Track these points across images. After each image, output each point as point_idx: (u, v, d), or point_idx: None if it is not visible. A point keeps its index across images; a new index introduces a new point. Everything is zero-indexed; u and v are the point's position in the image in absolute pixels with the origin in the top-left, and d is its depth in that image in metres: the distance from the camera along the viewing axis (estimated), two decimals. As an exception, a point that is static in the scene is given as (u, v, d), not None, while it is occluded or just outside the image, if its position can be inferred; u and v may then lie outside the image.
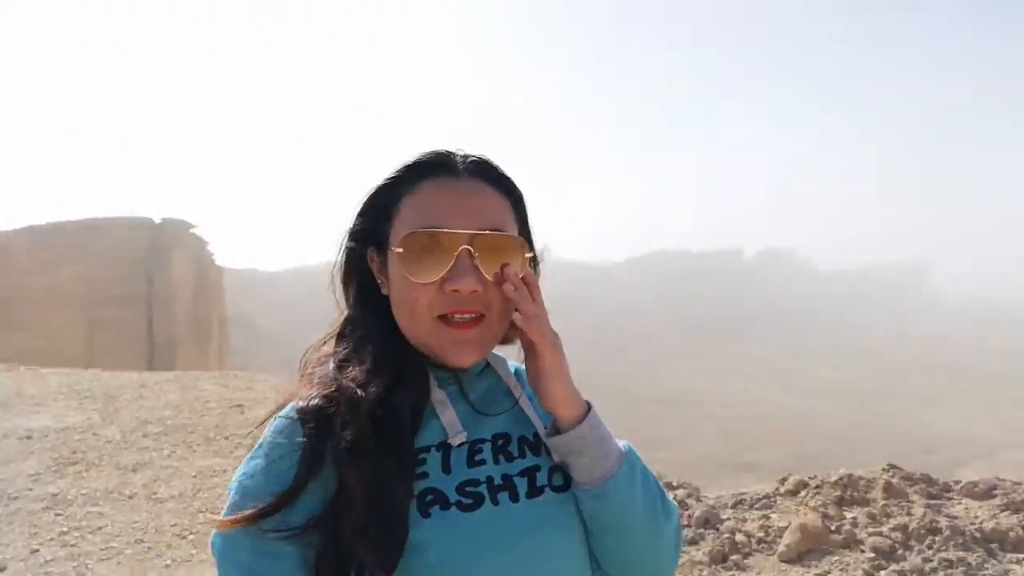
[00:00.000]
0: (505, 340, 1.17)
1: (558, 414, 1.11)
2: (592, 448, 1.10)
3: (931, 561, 4.31)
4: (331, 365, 1.08)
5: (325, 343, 1.16)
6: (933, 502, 4.97)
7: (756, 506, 5.16)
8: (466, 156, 1.13)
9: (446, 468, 1.06)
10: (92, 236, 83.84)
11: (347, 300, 1.18)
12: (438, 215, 1.07)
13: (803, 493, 5.25)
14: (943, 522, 4.64)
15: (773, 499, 5.27)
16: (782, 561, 4.43)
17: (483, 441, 1.12)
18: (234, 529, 0.96)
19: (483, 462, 1.10)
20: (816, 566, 4.47)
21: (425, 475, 1.04)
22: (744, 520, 4.95)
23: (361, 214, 1.14)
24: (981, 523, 4.66)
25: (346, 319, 1.16)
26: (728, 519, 4.98)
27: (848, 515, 4.91)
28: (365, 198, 1.14)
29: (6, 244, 78.37)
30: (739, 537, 4.65)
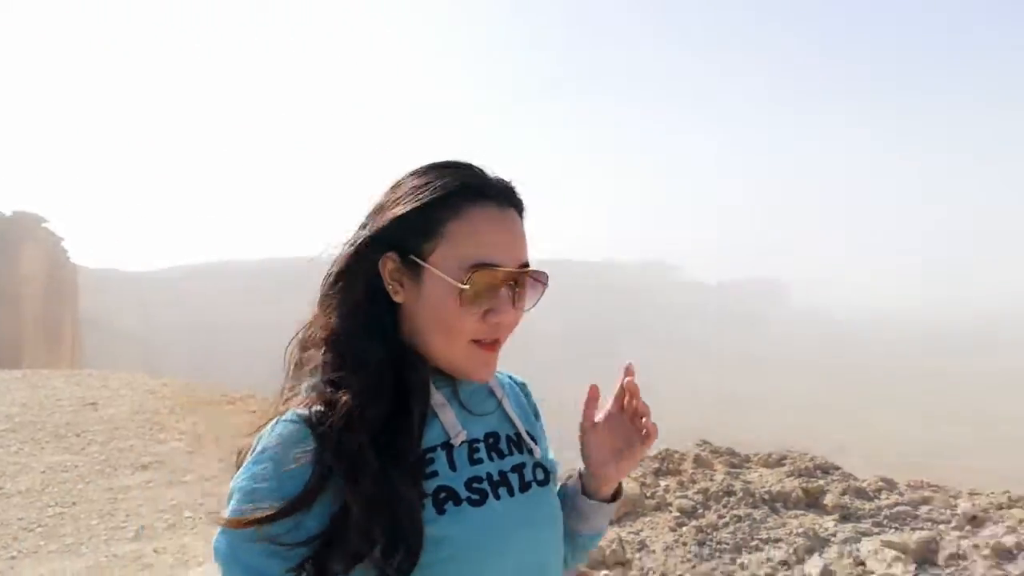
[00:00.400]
0: None
1: (602, 489, 1.30)
2: (609, 514, 1.34)
3: (724, 517, 5.02)
4: (327, 372, 1.08)
5: (312, 343, 1.14)
6: (733, 470, 5.71)
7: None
8: (502, 182, 1.16)
9: (452, 466, 1.11)
10: (-67, 227, 76.90)
11: (342, 298, 1.13)
12: (494, 251, 1.09)
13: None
14: (738, 486, 5.37)
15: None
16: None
17: (478, 440, 1.18)
18: (241, 530, 0.97)
19: (481, 460, 1.16)
20: (631, 526, 5.09)
21: (435, 474, 1.09)
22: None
23: (395, 221, 1.11)
24: (770, 486, 5.43)
25: (340, 318, 1.12)
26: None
27: (662, 483, 5.57)
28: (404, 208, 1.11)
29: None
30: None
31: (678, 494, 5.35)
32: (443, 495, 1.07)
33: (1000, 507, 5.10)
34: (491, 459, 1.17)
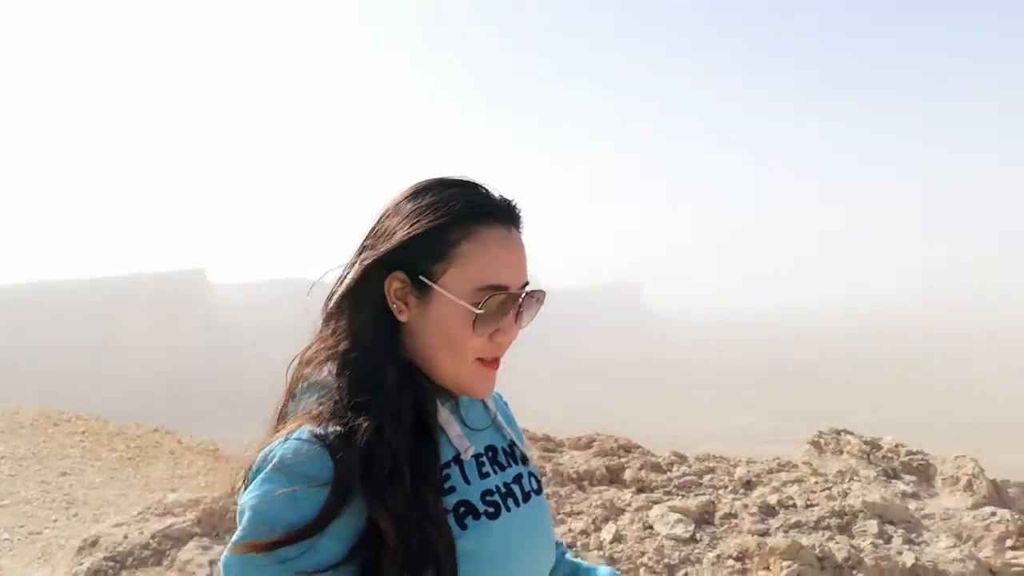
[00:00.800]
0: None
1: None
2: None
3: (532, 496, 5.42)
4: (341, 394, 1.07)
5: (314, 362, 1.13)
6: (547, 454, 6.14)
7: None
8: (506, 200, 1.17)
9: (467, 480, 1.13)
10: None
11: (351, 319, 1.12)
12: (505, 273, 1.11)
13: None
14: (549, 467, 5.79)
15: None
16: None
17: (481, 454, 1.20)
18: (254, 554, 0.95)
19: (489, 474, 1.18)
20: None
21: (453, 489, 1.11)
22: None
23: (405, 241, 1.10)
24: (578, 466, 5.88)
25: (352, 339, 1.11)
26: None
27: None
28: (414, 229, 1.10)
29: None
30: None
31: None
32: (463, 509, 1.09)
33: (770, 471, 5.78)
34: (495, 472, 1.20)
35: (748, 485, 5.59)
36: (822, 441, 6.22)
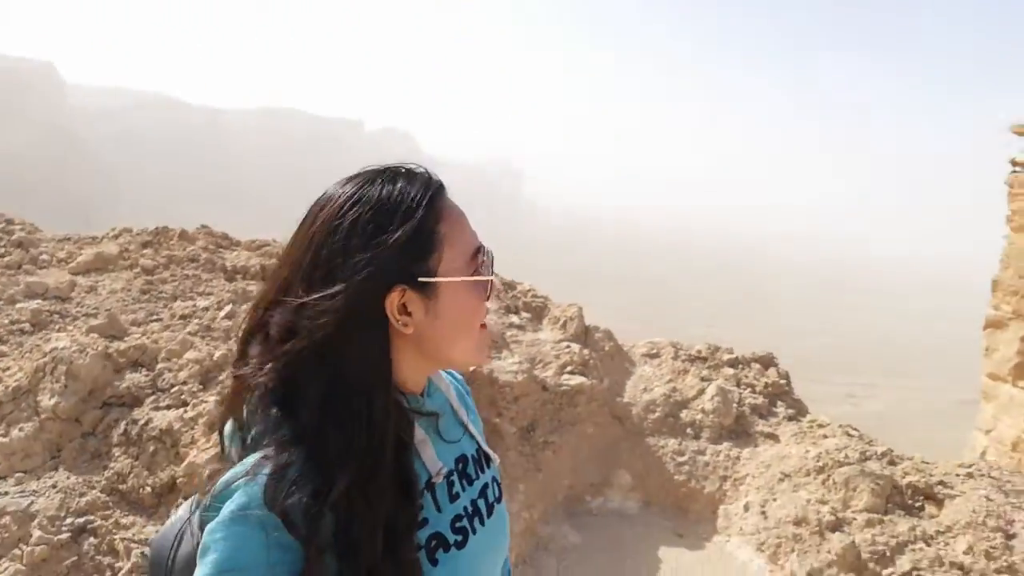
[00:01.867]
0: None
1: None
2: None
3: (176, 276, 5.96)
4: (321, 439, 0.95)
5: (272, 382, 0.98)
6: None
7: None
8: (426, 168, 1.10)
9: (438, 507, 1.07)
10: None
11: (351, 352, 0.97)
12: (473, 233, 1.08)
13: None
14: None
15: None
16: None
17: (452, 471, 1.13)
18: None
19: (459, 494, 1.12)
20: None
21: (426, 521, 1.04)
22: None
23: (395, 252, 0.98)
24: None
25: (334, 373, 0.96)
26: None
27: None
28: (399, 235, 0.99)
29: None
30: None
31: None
32: (434, 543, 1.04)
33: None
34: (463, 488, 1.14)
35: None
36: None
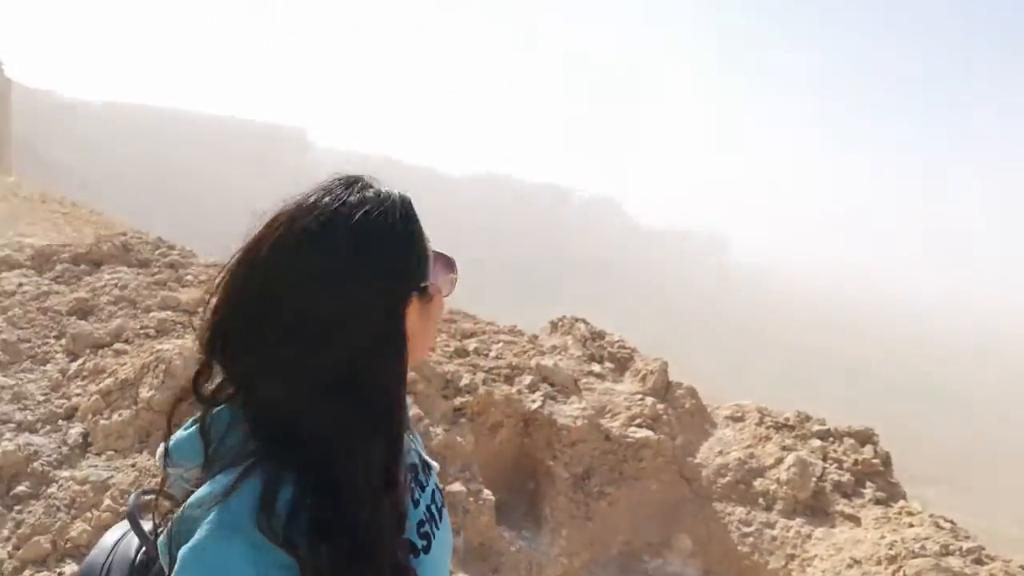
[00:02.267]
0: None
1: None
2: None
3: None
4: (328, 455, 0.92)
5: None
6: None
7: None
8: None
9: None
10: None
11: (371, 363, 0.94)
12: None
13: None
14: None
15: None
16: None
17: (411, 479, 1.13)
18: None
19: (418, 500, 1.13)
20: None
21: None
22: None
23: (407, 266, 1.00)
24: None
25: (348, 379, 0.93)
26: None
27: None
28: (415, 250, 1.02)
29: None
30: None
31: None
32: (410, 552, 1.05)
33: (496, 333, 6.82)
34: (420, 493, 1.15)
35: (467, 335, 6.65)
36: (559, 323, 7.20)
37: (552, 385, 6.10)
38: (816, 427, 6.24)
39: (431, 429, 5.10)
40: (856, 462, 5.86)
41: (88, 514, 4.33)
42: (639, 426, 5.97)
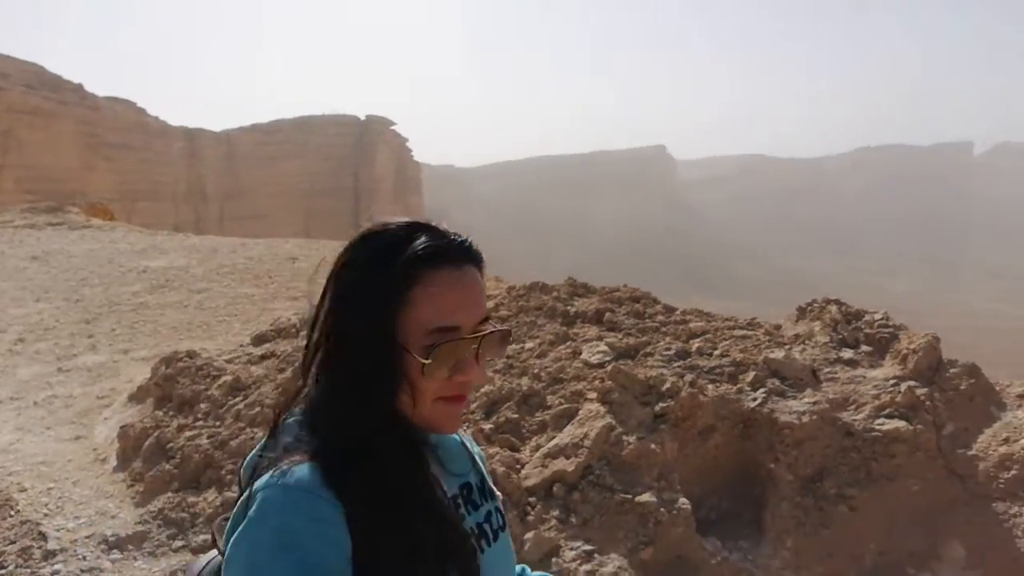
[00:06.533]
0: None
1: None
2: None
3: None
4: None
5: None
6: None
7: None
8: (458, 239, 1.15)
9: None
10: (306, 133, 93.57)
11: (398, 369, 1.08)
12: (451, 313, 1.08)
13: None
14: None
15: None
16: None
17: (456, 496, 1.21)
18: None
19: (464, 516, 1.19)
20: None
21: None
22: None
23: (375, 300, 1.08)
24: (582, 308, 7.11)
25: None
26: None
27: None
28: (371, 286, 1.08)
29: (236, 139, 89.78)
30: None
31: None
32: None
33: (728, 328, 6.34)
34: (468, 512, 1.21)
35: (694, 335, 6.30)
36: (808, 308, 6.40)
37: (783, 379, 5.47)
38: None
39: (623, 438, 4.95)
40: None
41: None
42: (890, 416, 5.06)
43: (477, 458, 1.33)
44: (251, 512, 0.98)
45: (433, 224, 1.14)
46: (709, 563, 4.51)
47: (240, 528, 0.97)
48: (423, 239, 1.10)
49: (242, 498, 1.02)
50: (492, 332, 1.13)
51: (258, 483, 1.00)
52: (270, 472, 1.01)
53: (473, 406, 5.64)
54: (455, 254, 1.12)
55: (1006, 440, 4.83)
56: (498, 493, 1.32)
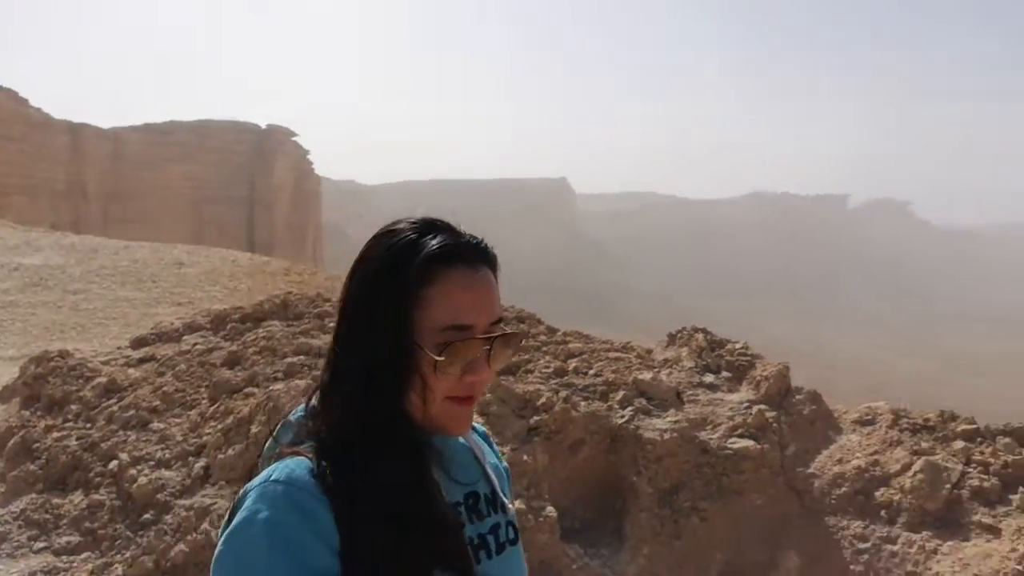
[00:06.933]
0: None
1: None
2: None
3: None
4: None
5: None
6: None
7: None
8: (473, 240, 1.16)
9: None
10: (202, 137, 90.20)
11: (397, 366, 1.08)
12: (464, 312, 1.09)
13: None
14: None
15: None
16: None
17: (459, 503, 1.18)
18: None
19: (463, 524, 1.16)
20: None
21: None
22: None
23: (390, 300, 1.09)
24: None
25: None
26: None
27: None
28: (387, 284, 1.09)
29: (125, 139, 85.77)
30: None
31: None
32: None
33: (605, 351, 6.71)
34: (471, 521, 1.19)
35: (572, 355, 6.64)
36: (677, 335, 6.88)
37: (650, 399, 5.87)
38: (962, 427, 5.31)
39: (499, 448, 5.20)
40: (1007, 464, 4.89)
41: (189, 537, 5.02)
42: (741, 436, 5.52)
43: (490, 469, 1.29)
44: (242, 507, 1.00)
45: (449, 224, 1.16)
46: (571, 568, 4.80)
47: (232, 523, 0.99)
48: (439, 239, 1.11)
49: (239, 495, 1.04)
50: (505, 334, 1.13)
51: (252, 480, 1.03)
52: (267, 469, 1.04)
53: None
54: (470, 255, 1.13)
55: (839, 460, 5.36)
56: (511, 507, 1.29)
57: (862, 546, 4.85)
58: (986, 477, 4.86)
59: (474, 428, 1.33)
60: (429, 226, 1.13)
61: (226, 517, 1.02)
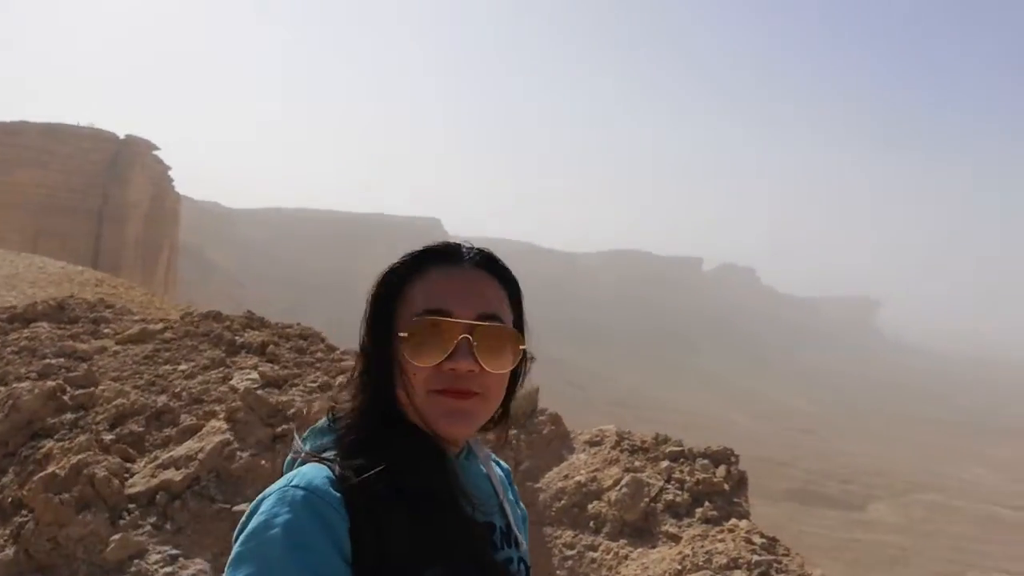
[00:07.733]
0: (485, 427, 1.22)
1: None
2: None
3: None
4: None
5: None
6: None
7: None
8: (471, 247, 1.21)
9: None
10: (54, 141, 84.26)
11: (382, 379, 1.14)
12: (442, 299, 1.12)
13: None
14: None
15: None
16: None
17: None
18: None
19: (495, 547, 1.18)
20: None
21: None
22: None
23: (376, 298, 1.16)
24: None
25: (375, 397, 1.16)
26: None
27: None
28: (378, 284, 1.17)
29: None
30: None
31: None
32: None
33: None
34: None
35: (343, 371, 6.86)
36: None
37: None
38: (671, 448, 5.91)
39: (238, 454, 5.32)
40: (699, 481, 5.50)
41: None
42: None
43: (507, 504, 1.30)
44: (260, 511, 1.01)
45: (459, 244, 1.22)
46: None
47: (248, 527, 1.00)
48: (433, 246, 1.20)
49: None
50: (488, 325, 1.13)
51: (271, 485, 1.05)
52: (287, 475, 1.07)
53: (99, 417, 5.72)
54: (459, 255, 1.19)
55: (565, 476, 5.82)
56: (524, 543, 1.30)
57: (569, 553, 5.29)
58: (680, 492, 5.43)
59: (498, 464, 1.40)
60: (430, 247, 1.20)
61: (242, 520, 1.03)
